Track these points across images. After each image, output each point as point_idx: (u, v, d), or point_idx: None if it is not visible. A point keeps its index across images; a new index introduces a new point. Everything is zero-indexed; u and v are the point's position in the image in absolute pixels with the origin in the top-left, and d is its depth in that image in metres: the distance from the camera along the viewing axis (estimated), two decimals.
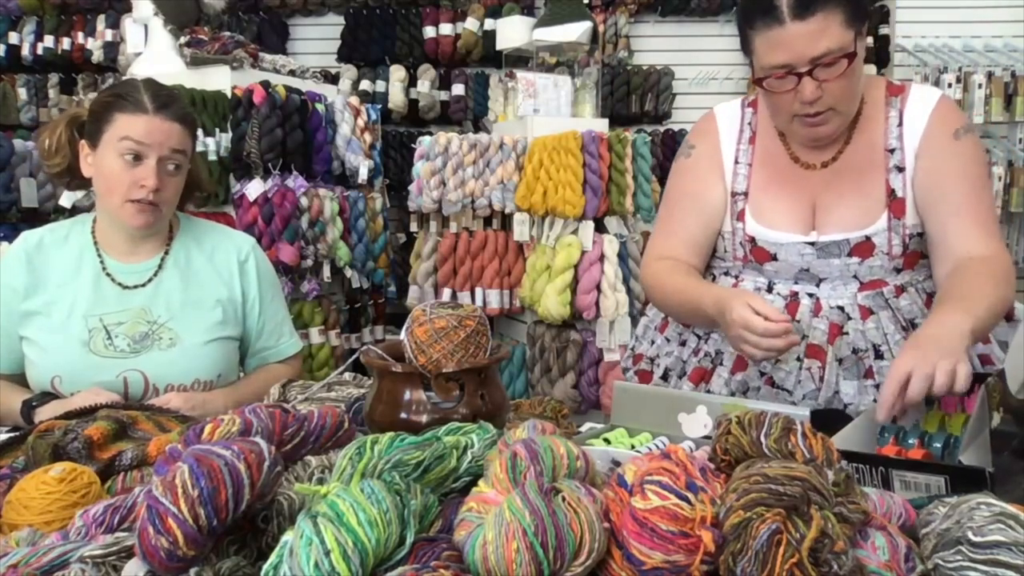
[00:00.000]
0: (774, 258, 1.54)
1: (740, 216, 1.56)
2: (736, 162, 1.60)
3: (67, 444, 1.12)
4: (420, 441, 0.81)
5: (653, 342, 1.75)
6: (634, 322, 3.10)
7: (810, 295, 1.53)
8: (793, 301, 1.53)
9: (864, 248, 1.48)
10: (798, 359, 1.50)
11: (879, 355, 1.48)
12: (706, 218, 1.60)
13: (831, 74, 1.37)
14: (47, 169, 1.66)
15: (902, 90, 1.54)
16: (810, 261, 1.51)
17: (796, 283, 1.55)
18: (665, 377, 1.67)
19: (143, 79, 1.64)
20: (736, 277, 1.62)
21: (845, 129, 1.51)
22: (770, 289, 1.57)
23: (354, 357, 1.19)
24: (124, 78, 2.37)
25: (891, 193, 1.49)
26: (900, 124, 1.50)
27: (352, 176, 3.45)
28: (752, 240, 1.55)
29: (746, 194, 1.57)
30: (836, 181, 1.51)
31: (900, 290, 1.51)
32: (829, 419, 1.29)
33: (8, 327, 1.60)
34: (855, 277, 1.52)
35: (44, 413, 1.47)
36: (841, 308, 1.51)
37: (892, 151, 1.50)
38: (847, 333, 1.50)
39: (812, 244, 1.50)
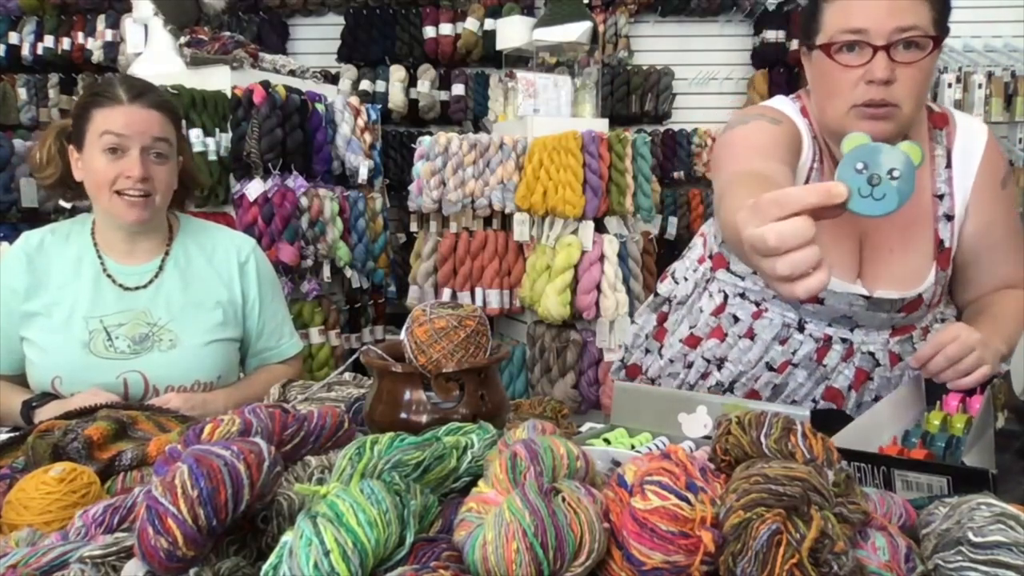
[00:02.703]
0: (819, 301, 1.42)
1: None
2: (806, 181, 1.38)
3: (67, 444, 1.11)
4: (420, 441, 0.81)
5: (647, 351, 1.68)
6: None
7: (843, 340, 1.46)
8: (824, 345, 1.47)
9: (914, 304, 1.42)
10: (814, 400, 1.47)
11: None
12: (780, 184, 1.18)
13: (909, 57, 1.23)
14: (42, 182, 1.66)
15: (946, 122, 1.43)
16: (857, 311, 1.42)
17: (830, 326, 1.46)
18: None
19: (119, 75, 1.63)
20: (758, 305, 1.50)
21: None
22: (801, 328, 1.48)
23: (354, 357, 1.19)
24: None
25: (939, 244, 1.41)
26: (948, 166, 1.41)
27: (352, 176, 3.45)
28: None
29: None
30: (884, 227, 1.38)
31: (925, 331, 1.48)
32: (829, 419, 1.29)
33: (8, 328, 1.60)
34: (892, 325, 1.47)
35: (44, 413, 1.47)
36: (872, 354, 1.46)
37: (941, 197, 1.40)
38: (872, 379, 1.46)
39: (867, 298, 1.40)
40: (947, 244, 1.41)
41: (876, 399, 1.44)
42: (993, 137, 1.44)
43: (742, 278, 1.51)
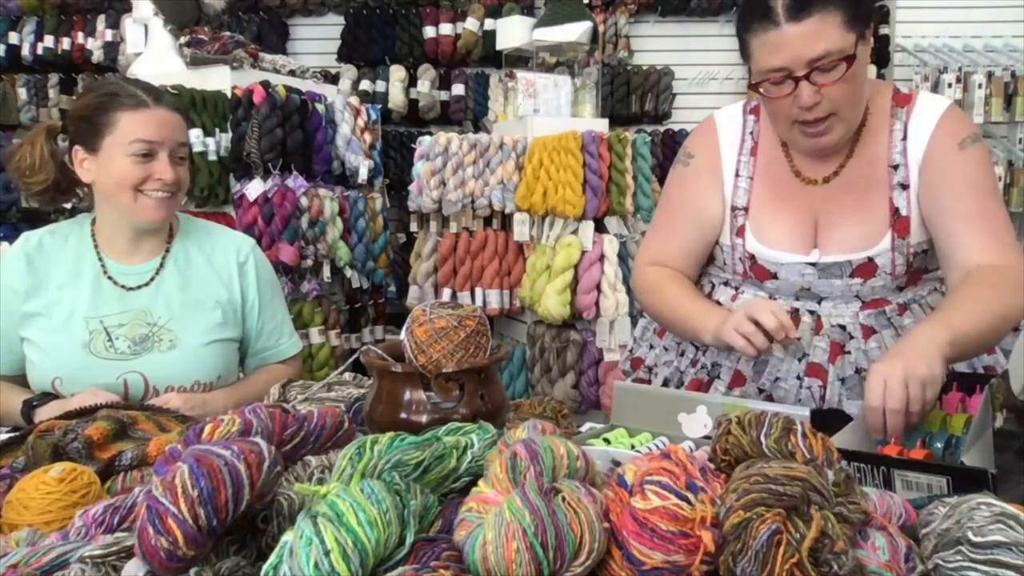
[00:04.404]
0: (774, 276, 1.51)
1: (740, 232, 1.53)
2: (737, 175, 1.55)
3: (67, 444, 1.11)
4: (420, 441, 0.81)
5: (651, 347, 1.74)
6: (634, 322, 3.10)
7: (811, 312, 1.50)
8: (794, 318, 1.50)
9: (866, 269, 1.45)
10: (798, 377, 1.49)
11: None
12: (703, 231, 1.58)
13: (829, 78, 1.32)
14: (27, 188, 1.62)
15: (909, 100, 1.47)
16: (811, 281, 1.48)
17: (797, 299, 1.52)
18: (664, 387, 1.65)
19: (123, 76, 1.64)
20: (736, 289, 1.60)
21: (848, 141, 1.45)
22: None
23: (354, 357, 1.19)
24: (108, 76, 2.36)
25: (895, 212, 1.44)
26: (904, 138, 1.45)
27: (352, 176, 3.45)
28: (752, 258, 1.51)
29: (746, 209, 1.53)
30: (838, 198, 1.46)
31: (903, 308, 1.49)
32: (829, 419, 1.29)
33: (8, 328, 1.60)
34: (857, 296, 1.49)
35: (44, 413, 1.47)
36: (843, 327, 1.49)
37: (896, 167, 1.44)
38: (849, 352, 1.48)
39: (814, 265, 1.46)
40: (903, 212, 1.44)
41: (857, 372, 1.47)
42: (954, 108, 1.47)
43: (723, 270, 1.61)
